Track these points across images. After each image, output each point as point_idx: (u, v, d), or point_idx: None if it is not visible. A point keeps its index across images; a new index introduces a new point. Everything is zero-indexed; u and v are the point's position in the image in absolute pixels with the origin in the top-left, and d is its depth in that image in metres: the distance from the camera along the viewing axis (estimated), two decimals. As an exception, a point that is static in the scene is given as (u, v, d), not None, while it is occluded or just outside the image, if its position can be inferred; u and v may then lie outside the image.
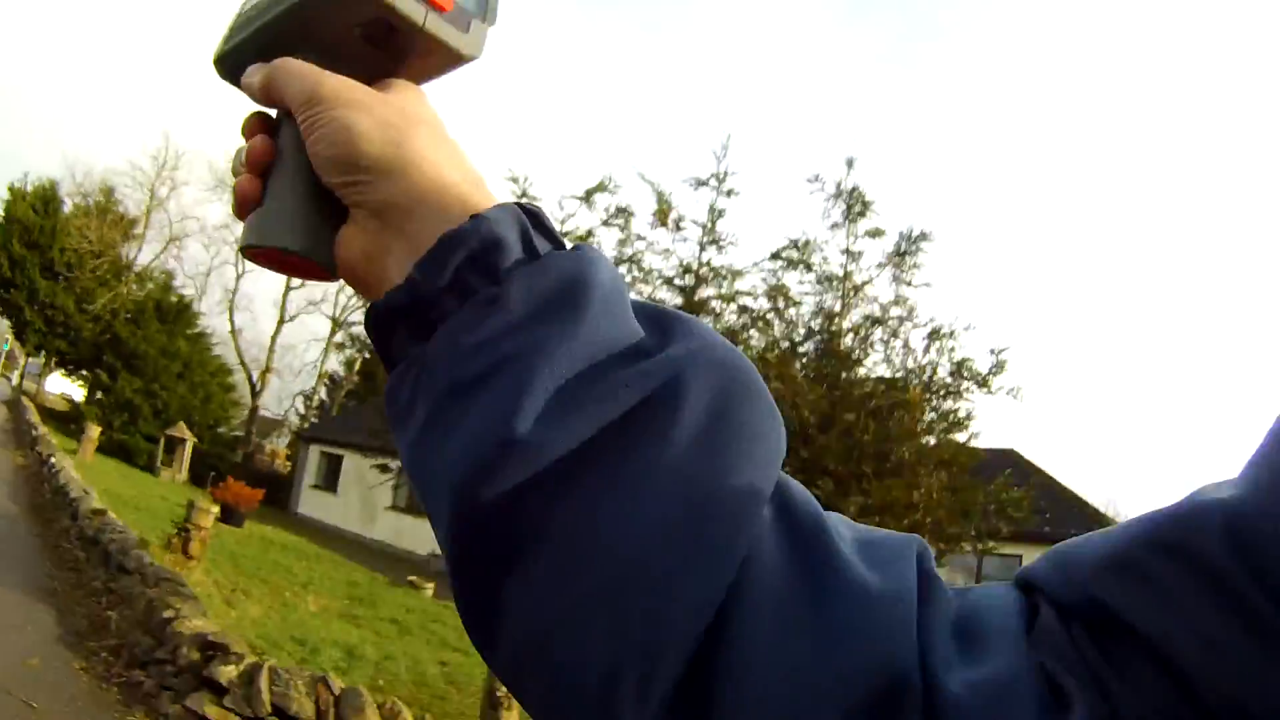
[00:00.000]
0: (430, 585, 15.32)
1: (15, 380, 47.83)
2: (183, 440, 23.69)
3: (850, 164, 7.71)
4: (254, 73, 0.49)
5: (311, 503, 27.10)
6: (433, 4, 0.48)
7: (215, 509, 10.68)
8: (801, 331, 7.26)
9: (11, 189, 33.90)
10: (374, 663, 7.37)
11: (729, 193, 7.83)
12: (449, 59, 0.50)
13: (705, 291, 7.80)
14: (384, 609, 11.06)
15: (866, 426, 6.04)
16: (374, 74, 0.50)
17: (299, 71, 0.47)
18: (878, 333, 6.88)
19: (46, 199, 34.00)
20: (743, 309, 7.70)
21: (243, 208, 0.49)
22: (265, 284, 41.76)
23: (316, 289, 39.66)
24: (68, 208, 35.03)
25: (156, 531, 9.70)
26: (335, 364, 39.15)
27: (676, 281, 7.87)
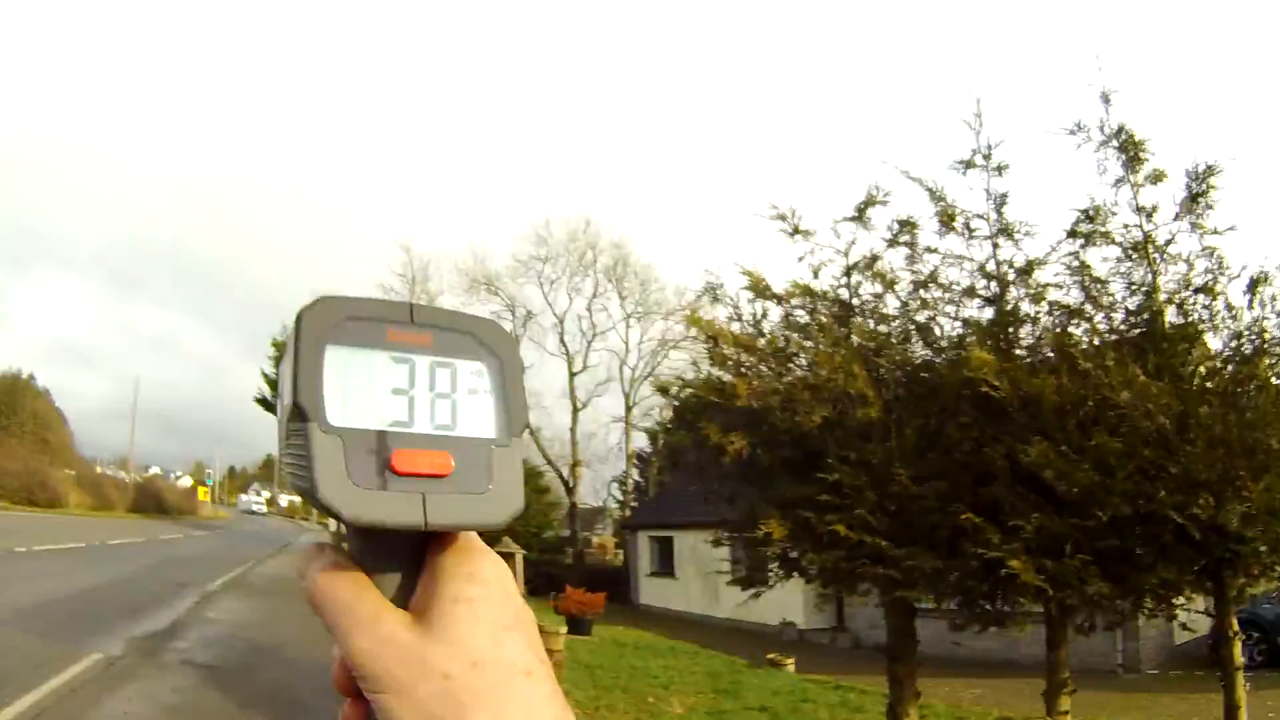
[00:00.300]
0: (790, 661, 15.07)
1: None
2: (512, 554, 24.96)
3: (1107, 98, 6.51)
4: (304, 584, 0.47)
5: (651, 591, 27.49)
6: (428, 474, 0.41)
7: (563, 628, 11.14)
8: (1119, 316, 6.38)
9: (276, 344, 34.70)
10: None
11: (1000, 169, 7.05)
12: (480, 529, 0.45)
13: (1012, 294, 7.05)
14: (750, 697, 10.94)
15: (1225, 418, 5.22)
16: (418, 548, 0.46)
17: (335, 618, 0.44)
18: (1200, 300, 5.93)
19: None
20: (1054, 305, 6.87)
21: None
22: (549, 377, 43.19)
23: (600, 370, 40.39)
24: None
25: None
26: (639, 440, 39.03)
27: (980, 291, 7.14)
